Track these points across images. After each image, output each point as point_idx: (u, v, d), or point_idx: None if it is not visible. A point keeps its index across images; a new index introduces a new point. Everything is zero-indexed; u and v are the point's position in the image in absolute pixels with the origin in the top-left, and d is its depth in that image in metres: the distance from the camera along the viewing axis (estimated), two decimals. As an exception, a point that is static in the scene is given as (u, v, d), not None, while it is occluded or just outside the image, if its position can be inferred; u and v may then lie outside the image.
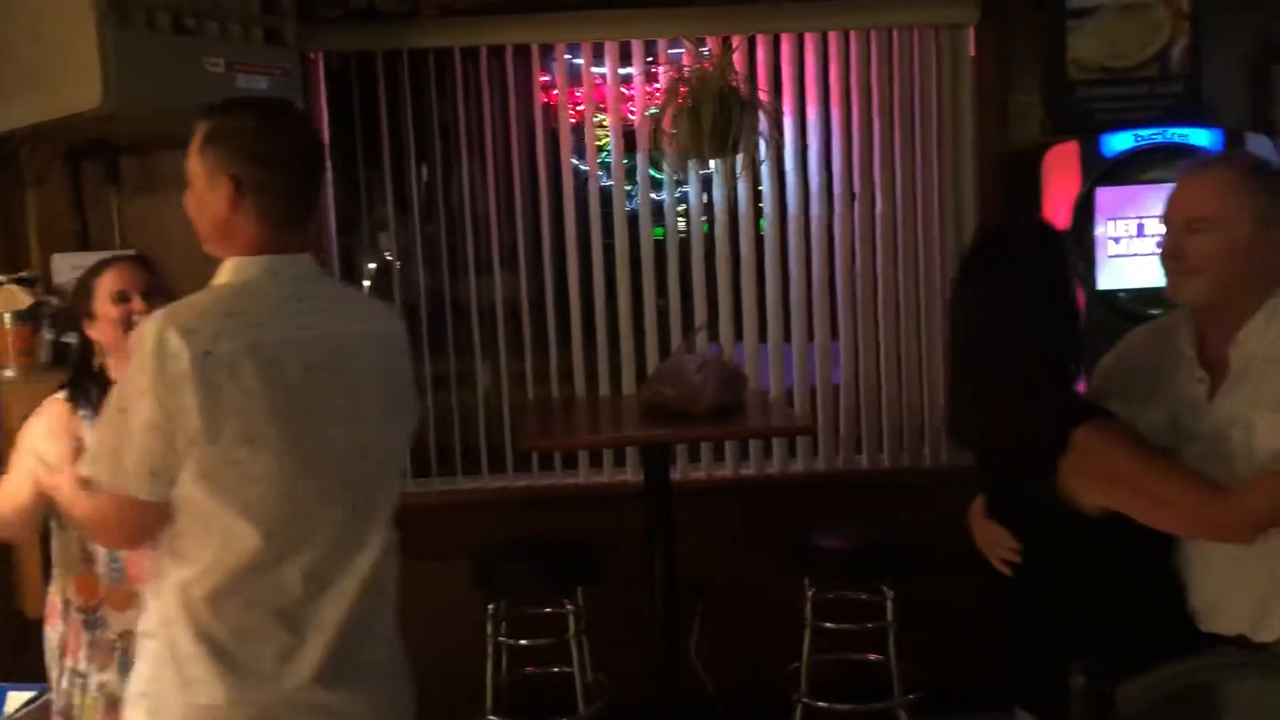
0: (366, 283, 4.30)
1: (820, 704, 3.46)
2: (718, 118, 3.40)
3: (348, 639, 1.80)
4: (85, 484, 1.77)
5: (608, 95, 3.81)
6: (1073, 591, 1.96)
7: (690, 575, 3.53)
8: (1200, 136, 3.42)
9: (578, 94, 3.94)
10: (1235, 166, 1.98)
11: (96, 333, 2.36)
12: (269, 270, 1.79)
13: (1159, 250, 1.98)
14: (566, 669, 3.42)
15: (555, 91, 3.83)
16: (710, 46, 3.64)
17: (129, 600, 2.28)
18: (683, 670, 3.49)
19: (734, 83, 3.48)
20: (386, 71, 3.72)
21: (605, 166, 3.87)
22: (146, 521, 1.74)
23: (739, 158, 3.61)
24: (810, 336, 3.91)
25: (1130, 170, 3.42)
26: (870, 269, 3.87)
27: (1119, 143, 3.44)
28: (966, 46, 3.78)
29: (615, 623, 3.52)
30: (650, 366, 3.76)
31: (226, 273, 1.80)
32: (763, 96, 3.64)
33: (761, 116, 3.60)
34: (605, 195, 3.86)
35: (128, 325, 2.26)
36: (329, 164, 3.75)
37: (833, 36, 3.77)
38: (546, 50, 3.81)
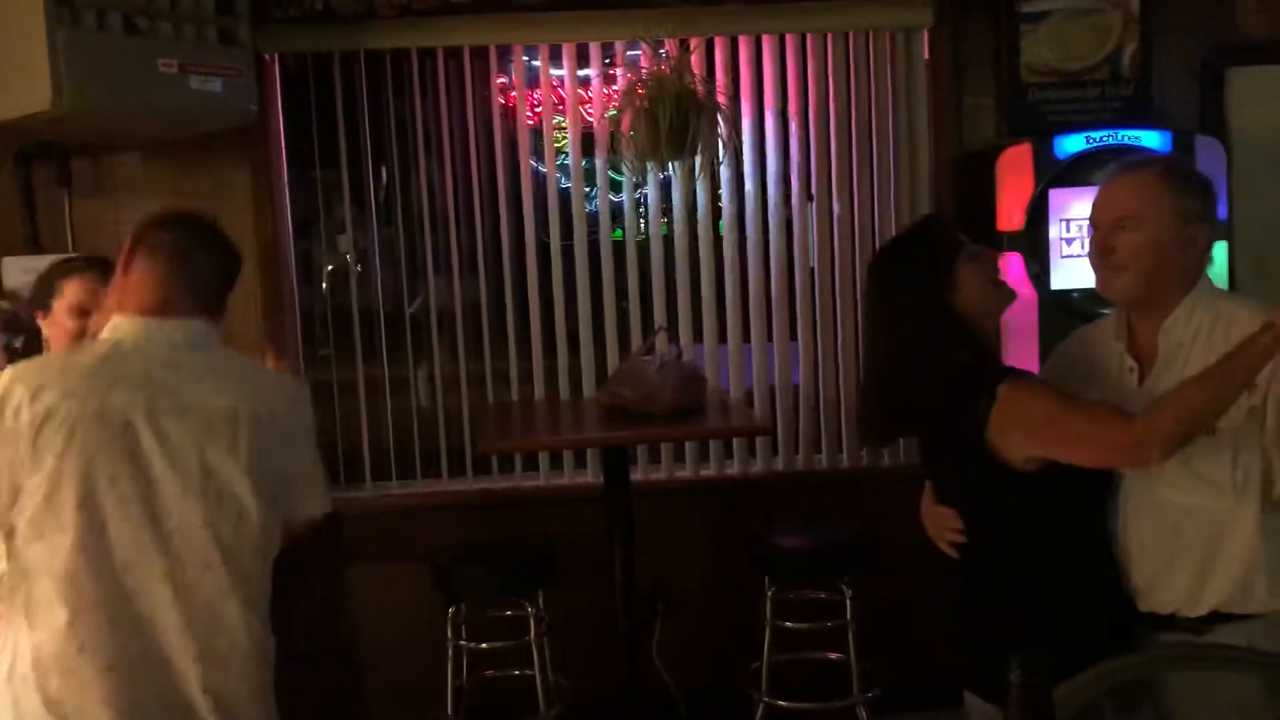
0: (324, 285, 4.27)
1: (781, 703, 3.48)
2: (675, 120, 3.40)
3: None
4: None
5: (566, 97, 3.81)
6: (1014, 572, 2.02)
7: (652, 576, 3.54)
8: (1151, 138, 3.48)
9: (535, 96, 3.94)
10: (1154, 169, 2.10)
11: (49, 329, 2.34)
12: (144, 333, 1.78)
13: (1089, 250, 2.10)
14: (528, 671, 3.42)
15: (513, 93, 3.83)
16: (668, 49, 3.65)
17: None
18: (644, 671, 3.50)
19: (691, 85, 3.49)
20: (343, 73, 3.70)
21: (564, 168, 3.87)
22: None
23: (697, 159, 3.62)
24: (769, 337, 3.93)
25: (1082, 171, 3.46)
26: (828, 270, 3.90)
27: (1071, 144, 3.49)
28: (921, 50, 3.82)
29: (577, 624, 3.52)
30: (610, 368, 3.76)
31: (106, 329, 1.80)
32: (720, 99, 3.65)
33: (719, 118, 3.61)
34: (564, 197, 3.85)
35: (81, 338, 2.25)
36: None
37: (789, 39, 3.80)
38: (504, 52, 3.81)
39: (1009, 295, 2.18)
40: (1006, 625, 1.99)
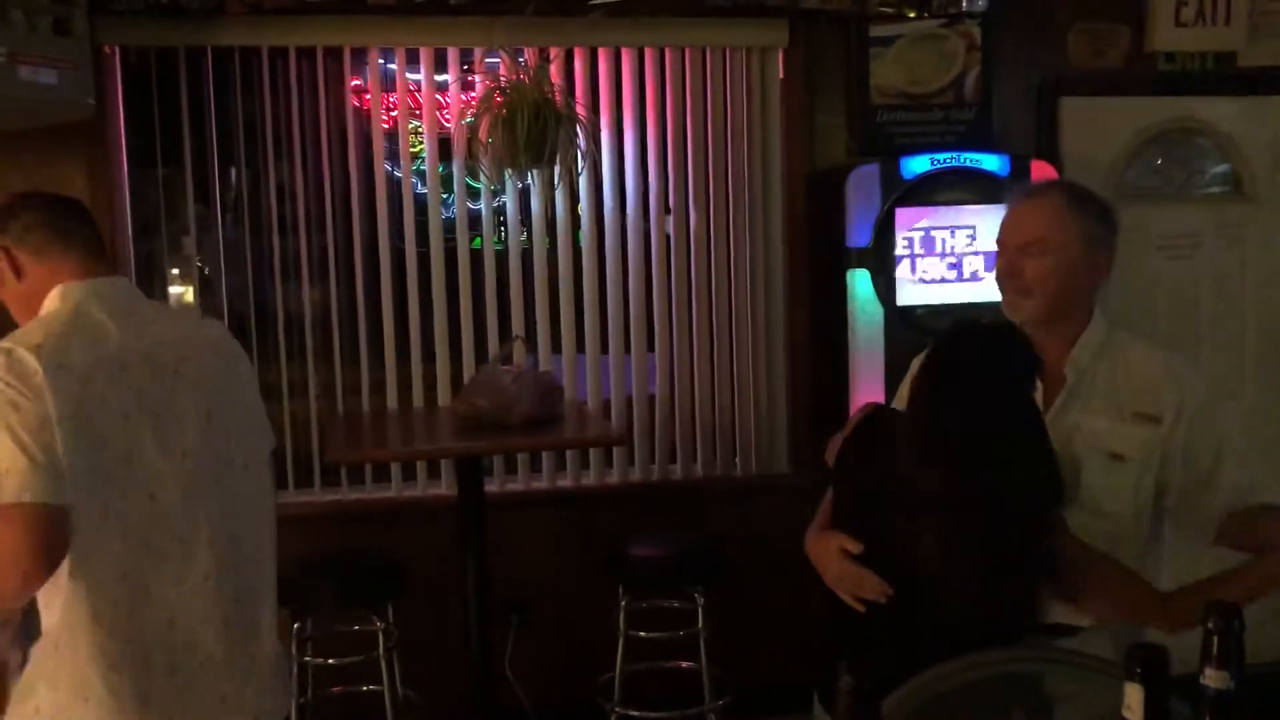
0: (176, 289, 4.09)
1: (634, 713, 3.49)
2: (533, 129, 3.40)
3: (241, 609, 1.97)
4: None
5: (422, 102, 3.76)
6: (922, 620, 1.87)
7: (506, 588, 3.52)
8: (991, 161, 3.63)
9: (391, 99, 3.87)
10: (1062, 193, 2.09)
11: None
12: (92, 291, 1.89)
13: (995, 271, 2.08)
14: (376, 687, 3.35)
15: (368, 96, 3.76)
16: (527, 57, 3.64)
17: None
18: (497, 685, 3.46)
19: (550, 95, 3.49)
20: (189, 69, 3.57)
21: (420, 174, 3.81)
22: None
23: (556, 169, 3.62)
24: (626, 348, 3.95)
25: (927, 191, 3.60)
26: (685, 282, 3.94)
27: (916, 165, 3.61)
28: (776, 69, 3.91)
29: (428, 638, 3.46)
30: (466, 378, 3.72)
31: (53, 300, 1.88)
32: (580, 110, 3.66)
33: (578, 129, 3.61)
34: (421, 203, 3.80)
35: None
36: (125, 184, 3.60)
37: (648, 53, 3.83)
38: (359, 53, 3.73)
39: None
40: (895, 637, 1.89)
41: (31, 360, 1.71)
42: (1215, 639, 0.99)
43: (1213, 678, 0.99)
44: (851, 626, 2.03)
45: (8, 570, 1.67)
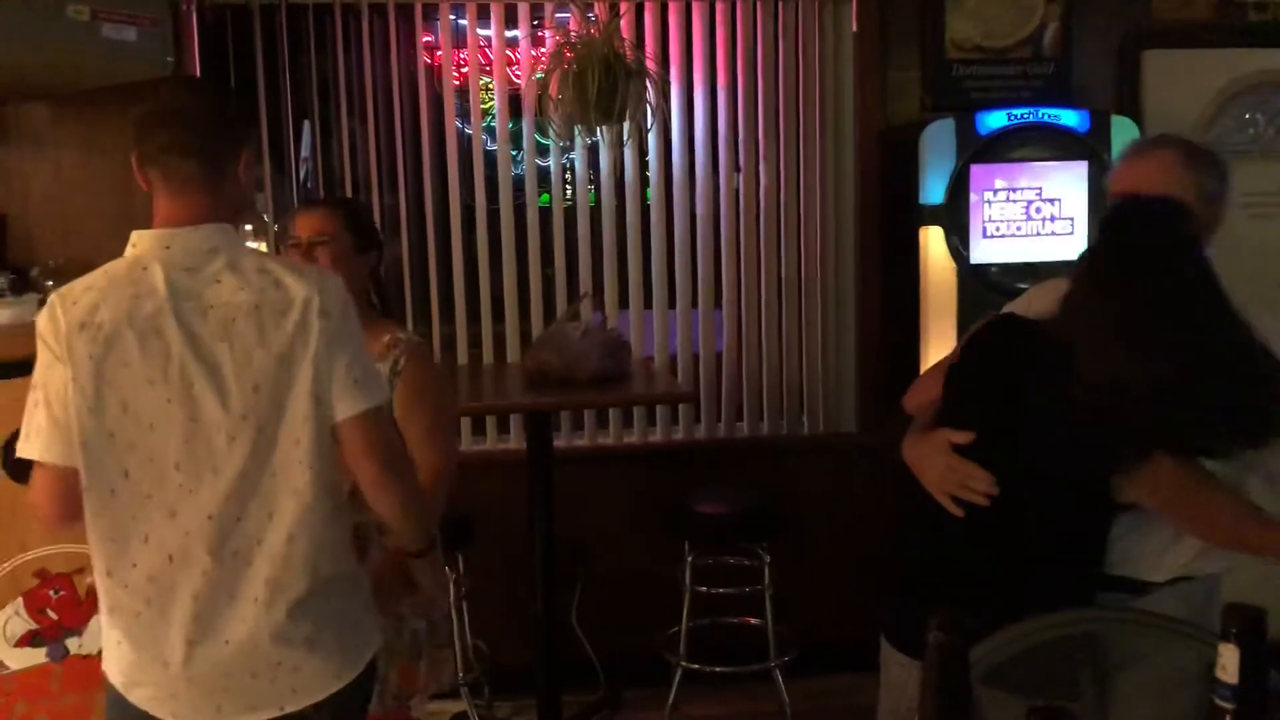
0: (249, 244, 4.17)
1: (698, 666, 3.52)
2: (604, 85, 3.38)
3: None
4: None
5: (493, 58, 3.76)
6: (1025, 546, 1.90)
7: (573, 542, 3.55)
8: (1069, 117, 3.54)
9: (462, 56, 3.88)
10: (1175, 146, 2.05)
11: None
12: (161, 243, 1.77)
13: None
14: (447, 636, 3.41)
15: (439, 53, 3.77)
16: (597, 12, 3.62)
17: None
18: (563, 636, 3.51)
19: (620, 50, 3.47)
20: (263, 26, 3.60)
21: (490, 131, 3.82)
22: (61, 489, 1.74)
23: (625, 125, 3.61)
24: (694, 305, 3.95)
25: (1003, 148, 3.52)
26: (753, 239, 3.91)
27: (993, 121, 3.53)
28: (849, 21, 3.84)
29: (496, 590, 3.52)
30: (535, 334, 3.74)
31: (129, 244, 1.80)
32: (650, 65, 3.64)
33: (648, 84, 3.59)
34: (490, 160, 3.81)
35: None
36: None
37: (719, 7, 3.79)
38: (430, 10, 3.74)
39: None
40: (991, 588, 1.88)
41: (61, 317, 1.70)
42: (1312, 603, 0.97)
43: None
44: (917, 573, 2.03)
45: (36, 515, 1.79)
